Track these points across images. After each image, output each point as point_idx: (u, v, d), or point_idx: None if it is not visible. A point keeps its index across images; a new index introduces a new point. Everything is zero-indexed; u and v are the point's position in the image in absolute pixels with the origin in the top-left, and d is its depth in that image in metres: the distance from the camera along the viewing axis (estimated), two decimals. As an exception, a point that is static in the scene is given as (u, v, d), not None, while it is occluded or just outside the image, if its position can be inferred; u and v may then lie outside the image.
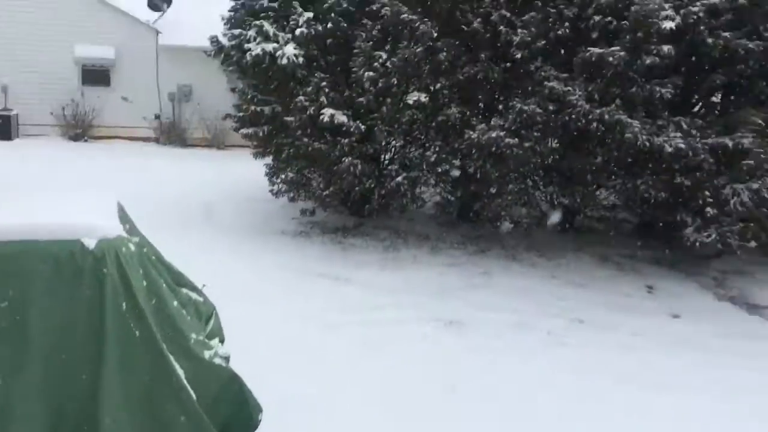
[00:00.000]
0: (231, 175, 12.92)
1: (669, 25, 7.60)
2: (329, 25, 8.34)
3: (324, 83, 8.55)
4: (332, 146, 8.74)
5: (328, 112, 8.42)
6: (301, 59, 8.32)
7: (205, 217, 10.11)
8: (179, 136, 17.50)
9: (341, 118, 8.45)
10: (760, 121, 7.93)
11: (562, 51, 8.73)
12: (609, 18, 8.08)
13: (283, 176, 9.65)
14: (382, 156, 9.55)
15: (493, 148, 8.31)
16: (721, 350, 6.25)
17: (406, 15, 8.33)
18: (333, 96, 8.67)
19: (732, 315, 7.46)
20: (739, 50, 8.06)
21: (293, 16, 8.37)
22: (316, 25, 8.35)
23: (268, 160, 10.02)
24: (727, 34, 7.97)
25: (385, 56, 8.42)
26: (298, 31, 8.24)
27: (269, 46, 8.17)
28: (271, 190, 9.95)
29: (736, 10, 8.02)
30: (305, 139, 8.69)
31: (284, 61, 8.20)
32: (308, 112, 8.55)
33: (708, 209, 7.99)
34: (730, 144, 7.92)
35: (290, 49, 8.17)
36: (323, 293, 7.06)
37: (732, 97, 9.21)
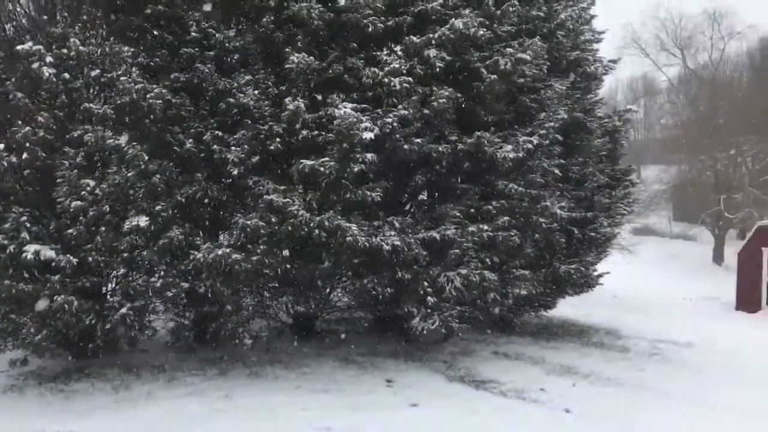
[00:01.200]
0: None
1: (369, 135, 8.29)
2: (24, 155, 7.70)
3: (24, 218, 7.80)
4: (42, 285, 7.89)
5: (31, 248, 7.64)
6: (-7, 194, 7.54)
7: None
8: None
9: (49, 253, 7.72)
10: (458, 214, 8.90)
11: (278, 164, 9.03)
12: (316, 132, 8.59)
13: (-16, 326, 8.42)
14: (103, 288, 8.84)
15: (222, 266, 8.19)
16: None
17: (112, 140, 8.03)
18: (36, 230, 7.92)
19: (462, 394, 7.95)
20: (432, 153, 9.08)
21: (-20, 150, 7.60)
22: (9, 156, 7.66)
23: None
24: (419, 140, 8.95)
25: (93, 183, 7.96)
26: (-13, 165, 7.49)
27: (-50, 185, 7.28)
28: (-30, 344, 8.59)
29: (424, 119, 9.06)
30: (7, 281, 7.75)
31: (-29, 198, 7.36)
32: (8, 251, 7.69)
33: (429, 298, 8.65)
34: (438, 236, 8.77)
35: (-22, 186, 7.37)
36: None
37: (436, 194, 10.26)
